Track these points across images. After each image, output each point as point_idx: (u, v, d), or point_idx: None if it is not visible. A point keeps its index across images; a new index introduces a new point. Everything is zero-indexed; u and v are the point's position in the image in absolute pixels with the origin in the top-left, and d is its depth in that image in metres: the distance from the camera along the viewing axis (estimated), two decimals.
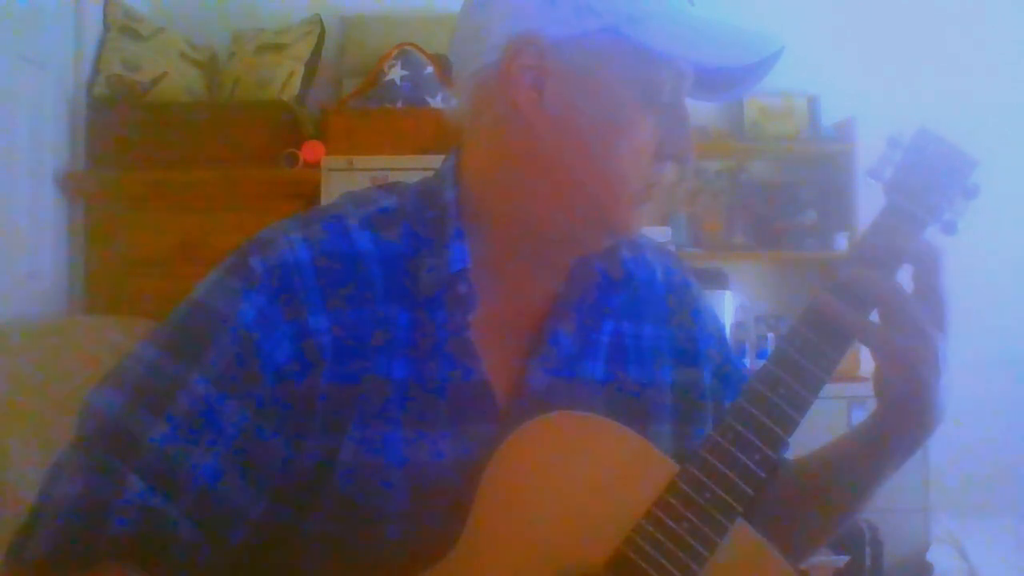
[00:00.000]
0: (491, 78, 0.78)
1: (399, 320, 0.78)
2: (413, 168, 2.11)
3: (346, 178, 2.32)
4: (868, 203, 2.61)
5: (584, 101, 0.76)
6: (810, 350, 0.76)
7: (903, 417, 0.78)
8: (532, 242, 0.81)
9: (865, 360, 2.74)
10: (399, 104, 2.59)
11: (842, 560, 2.39)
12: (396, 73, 2.61)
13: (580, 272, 0.85)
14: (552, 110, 0.76)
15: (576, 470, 0.74)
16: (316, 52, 2.72)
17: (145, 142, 2.51)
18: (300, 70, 2.66)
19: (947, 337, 0.76)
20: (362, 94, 2.64)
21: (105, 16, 2.63)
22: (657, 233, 2.71)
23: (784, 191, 3.10)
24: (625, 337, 0.87)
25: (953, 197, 0.81)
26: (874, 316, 0.78)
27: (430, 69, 2.62)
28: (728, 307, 2.76)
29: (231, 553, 0.74)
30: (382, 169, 2.30)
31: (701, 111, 3.02)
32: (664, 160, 0.79)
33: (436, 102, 2.59)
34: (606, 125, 0.76)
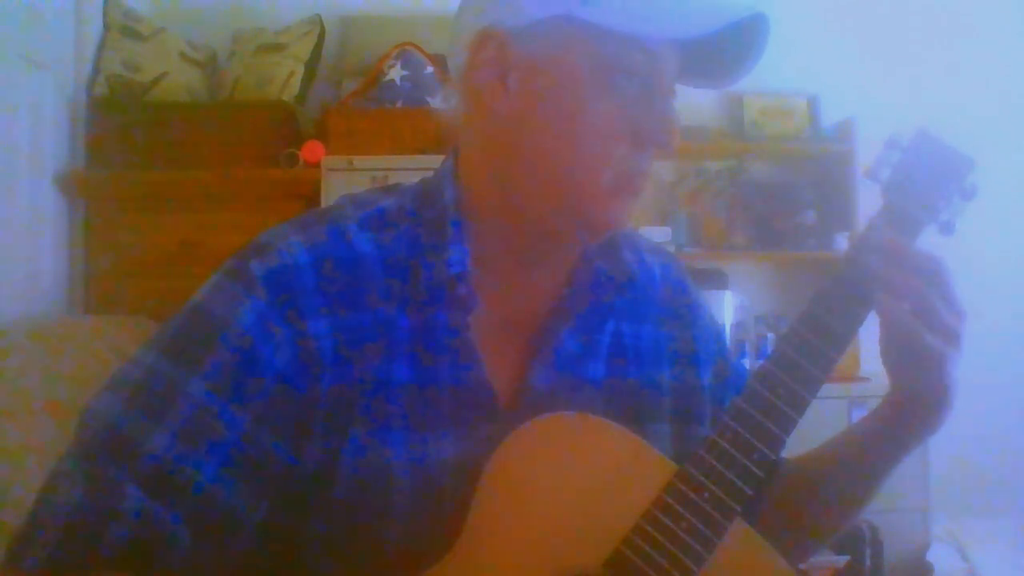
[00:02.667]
0: (465, 75, 0.78)
1: (400, 322, 0.78)
2: (413, 168, 2.11)
3: (346, 178, 2.32)
4: (868, 203, 2.60)
5: (546, 88, 0.75)
6: (808, 350, 0.76)
7: (920, 403, 0.78)
8: (524, 239, 0.81)
9: (865, 360, 2.74)
10: (399, 104, 2.59)
11: (842, 560, 2.38)
12: (396, 73, 2.61)
13: (582, 272, 0.85)
14: (516, 101, 0.76)
15: (574, 471, 0.74)
16: (316, 52, 2.72)
17: (145, 142, 2.51)
18: (300, 70, 2.66)
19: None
20: (362, 94, 2.64)
21: (105, 16, 2.62)
22: (657, 233, 2.72)
23: (784, 191, 3.09)
24: (624, 337, 0.87)
25: (951, 198, 0.81)
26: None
27: (430, 69, 2.62)
28: (728, 307, 2.75)
29: (231, 557, 0.73)
30: (382, 169, 2.30)
31: (701, 111, 3.03)
32: (642, 147, 0.77)
33: (436, 102, 2.59)
34: (568, 110, 0.75)
